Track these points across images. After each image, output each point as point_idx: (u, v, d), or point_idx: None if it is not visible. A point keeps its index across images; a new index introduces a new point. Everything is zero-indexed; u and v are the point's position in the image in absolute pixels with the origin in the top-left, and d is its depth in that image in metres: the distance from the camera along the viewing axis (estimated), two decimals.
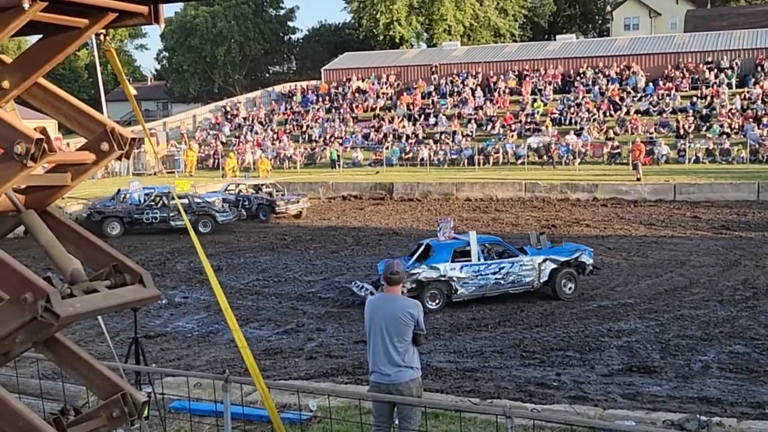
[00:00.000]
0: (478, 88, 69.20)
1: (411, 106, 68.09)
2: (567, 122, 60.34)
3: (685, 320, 19.42)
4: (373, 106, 69.66)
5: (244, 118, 72.87)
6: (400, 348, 9.30)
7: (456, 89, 69.69)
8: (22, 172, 3.75)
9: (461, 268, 21.60)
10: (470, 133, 60.80)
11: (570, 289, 22.37)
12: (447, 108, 66.48)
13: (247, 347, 7.96)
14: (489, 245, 22.97)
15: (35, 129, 3.73)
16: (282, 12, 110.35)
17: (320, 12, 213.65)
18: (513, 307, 21.41)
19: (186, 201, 36.71)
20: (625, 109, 60.15)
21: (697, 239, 31.15)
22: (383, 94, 71.96)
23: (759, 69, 63.06)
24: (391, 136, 62.71)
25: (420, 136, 61.83)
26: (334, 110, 70.76)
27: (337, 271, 27.13)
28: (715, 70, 64.07)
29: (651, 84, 64.09)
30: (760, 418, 12.59)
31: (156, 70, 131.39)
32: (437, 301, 21.41)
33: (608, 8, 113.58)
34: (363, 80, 75.34)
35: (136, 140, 4.45)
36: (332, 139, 63.96)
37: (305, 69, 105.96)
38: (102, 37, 4.68)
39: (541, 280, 22.31)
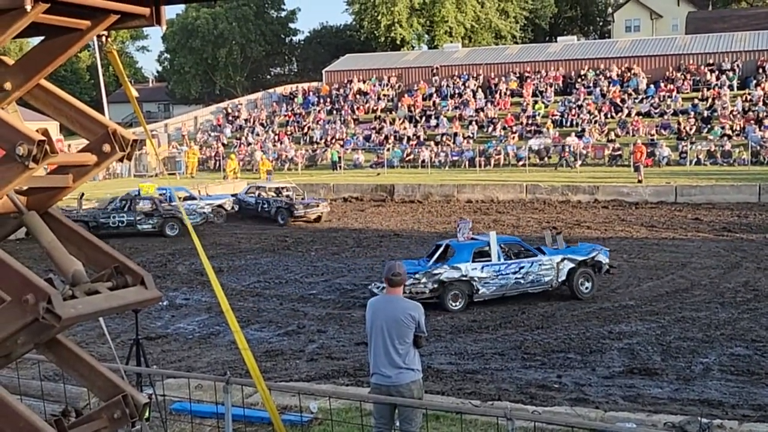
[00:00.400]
0: (479, 89, 69.20)
1: (412, 108, 68.09)
2: (568, 124, 60.34)
3: (687, 322, 19.41)
4: (375, 108, 69.68)
5: (246, 120, 72.91)
6: (401, 350, 9.30)
7: (457, 91, 69.69)
8: (23, 173, 3.75)
9: (482, 268, 21.73)
10: (471, 135, 60.81)
11: (587, 288, 22.53)
12: (448, 110, 66.50)
13: (248, 349, 7.96)
14: (508, 245, 23.15)
15: (37, 130, 3.73)
16: (283, 14, 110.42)
17: (321, 14, 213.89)
18: (514, 308, 21.41)
19: (152, 204, 36.70)
20: (626, 111, 60.15)
21: (699, 241, 31.14)
22: (384, 95, 71.95)
23: (760, 71, 63.02)
24: (392, 137, 62.71)
25: (421, 138, 61.86)
26: (335, 112, 70.79)
27: (338, 273, 27.12)
28: (717, 72, 64.04)
29: (652, 86, 64.08)
30: (762, 420, 12.58)
31: (157, 72, 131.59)
32: (459, 302, 21.53)
33: (609, 10, 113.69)
34: (364, 82, 75.34)
35: (137, 142, 4.45)
36: (333, 140, 63.96)
37: (306, 71, 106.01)
38: (104, 38, 4.68)
39: (560, 280, 22.48)
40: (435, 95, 70.22)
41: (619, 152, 52.94)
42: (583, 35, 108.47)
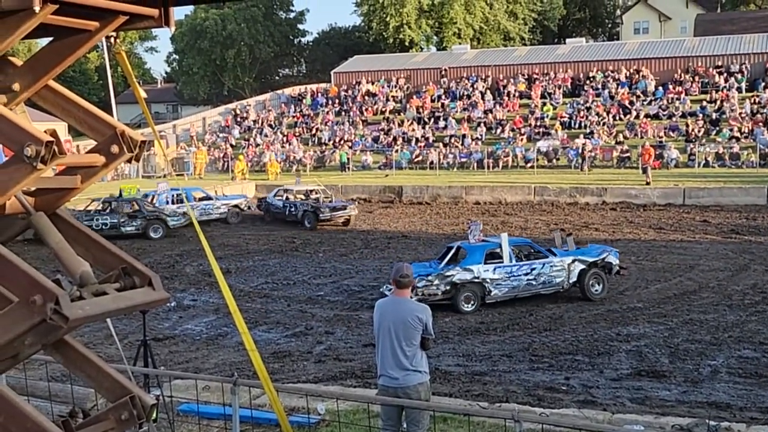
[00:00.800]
0: (488, 91, 69.12)
1: (421, 110, 68.07)
2: (576, 126, 60.25)
3: (694, 325, 19.39)
4: (383, 110, 69.66)
5: (254, 121, 72.93)
6: (408, 352, 9.29)
7: (465, 92, 69.63)
8: (31, 174, 3.76)
9: (494, 269, 21.81)
10: (480, 137, 60.75)
11: (597, 289, 22.61)
12: (456, 111, 66.44)
13: (256, 350, 7.95)
14: (519, 247, 23.26)
15: (45, 131, 3.73)
16: (292, 15, 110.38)
17: (330, 15, 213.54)
18: (522, 310, 21.41)
19: (135, 206, 36.66)
20: (634, 113, 60.03)
21: (707, 243, 31.09)
22: (393, 97, 71.91)
23: None
24: (400, 139, 62.68)
25: (429, 140, 61.82)
26: (343, 113, 70.78)
27: (346, 275, 27.13)
28: (725, 74, 63.90)
29: (661, 88, 63.96)
30: None
31: (166, 73, 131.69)
32: (472, 303, 21.61)
33: (618, 12, 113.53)
34: (373, 83, 75.33)
35: (145, 143, 4.45)
36: (342, 142, 63.95)
37: (315, 72, 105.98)
38: (112, 39, 4.68)
39: (571, 281, 22.56)
40: (443, 97, 70.18)
41: (628, 154, 52.84)
42: (591, 37, 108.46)
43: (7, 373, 7.45)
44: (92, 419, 4.60)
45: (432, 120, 65.64)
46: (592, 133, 57.20)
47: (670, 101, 61.24)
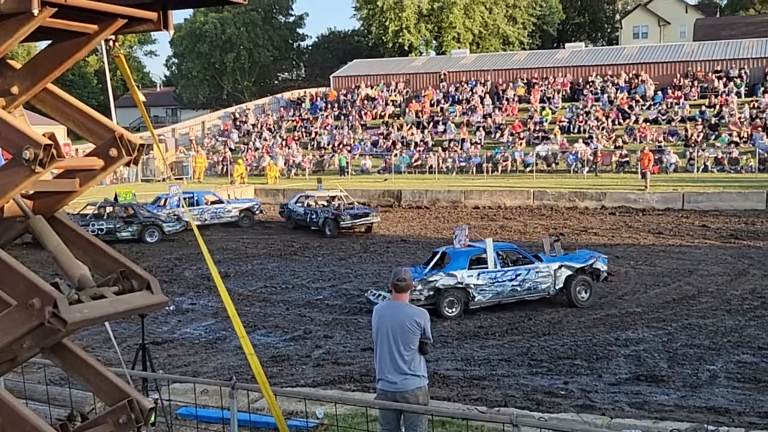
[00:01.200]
0: (487, 95, 69.25)
1: (420, 114, 68.14)
2: (575, 130, 60.30)
3: (693, 329, 19.37)
4: (382, 114, 69.73)
5: (253, 125, 73.01)
6: (406, 356, 9.29)
7: (465, 97, 69.73)
8: (30, 177, 3.76)
9: (478, 275, 21.61)
10: (479, 141, 60.81)
11: (585, 296, 22.39)
12: (456, 116, 66.52)
13: (255, 354, 7.95)
14: (505, 252, 23.05)
15: (44, 134, 3.73)
16: (291, 19, 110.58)
17: (329, 19, 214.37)
18: (521, 315, 21.38)
19: (131, 211, 36.66)
20: (633, 118, 60.11)
21: (706, 248, 31.08)
22: (392, 101, 72.01)
23: None
24: (399, 143, 62.72)
25: (429, 144, 61.85)
26: (342, 117, 70.84)
27: (345, 279, 27.11)
28: (724, 79, 64.02)
29: (660, 93, 64.05)
30: None
31: (165, 77, 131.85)
32: (455, 308, 21.39)
33: (617, 17, 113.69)
34: (372, 87, 75.43)
35: (144, 146, 4.45)
36: (341, 146, 64.02)
37: (314, 76, 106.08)
38: (111, 43, 4.68)
39: (557, 287, 22.35)
40: (443, 101, 70.29)
41: (627, 159, 52.88)
42: (590, 42, 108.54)
43: (5, 376, 7.46)
44: (90, 423, 4.60)
45: (431, 124, 65.69)
46: (591, 137, 57.23)
47: (669, 106, 61.32)
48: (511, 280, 21.98)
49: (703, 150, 52.53)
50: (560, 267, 22.37)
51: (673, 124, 58.45)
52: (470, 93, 70.09)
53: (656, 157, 50.12)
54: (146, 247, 34.72)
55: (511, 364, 17.11)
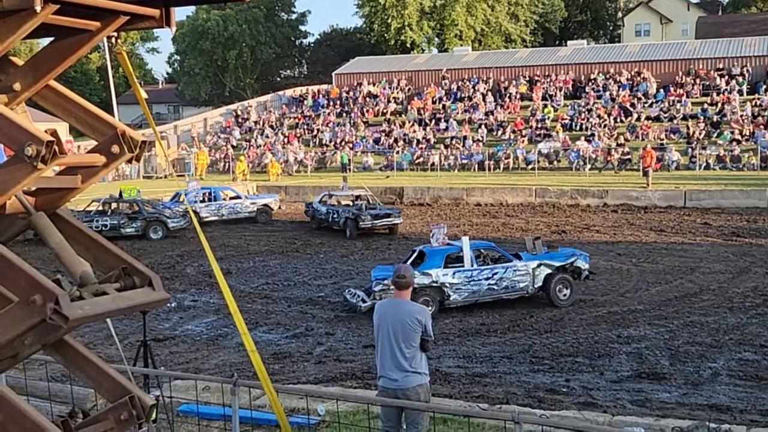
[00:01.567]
0: (489, 93, 69.21)
1: (422, 111, 68.11)
2: (577, 128, 60.25)
3: (695, 327, 19.37)
4: (384, 111, 69.71)
5: (255, 122, 73.02)
6: (407, 353, 9.30)
7: (467, 94, 69.70)
8: (32, 174, 3.75)
9: (454, 273, 21.39)
10: (481, 138, 60.78)
11: (565, 295, 22.10)
12: (458, 113, 66.48)
13: (256, 351, 7.95)
14: (482, 251, 22.81)
15: (46, 131, 3.73)
16: (294, 16, 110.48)
17: (332, 16, 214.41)
18: (522, 312, 21.37)
19: (135, 207, 36.71)
20: (635, 116, 60.06)
21: (707, 246, 31.07)
22: (394, 98, 71.97)
23: None
24: (401, 140, 62.71)
25: (431, 141, 61.85)
26: (345, 114, 70.84)
27: (347, 276, 27.10)
28: (726, 77, 63.97)
29: (662, 90, 63.99)
30: None
31: (167, 74, 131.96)
32: (430, 307, 20.51)
33: (619, 14, 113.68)
34: (374, 85, 75.39)
35: (146, 143, 4.45)
36: (343, 143, 64.00)
37: (316, 73, 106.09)
38: (113, 40, 4.68)
39: (536, 286, 22.11)
40: (445, 98, 70.24)
41: (629, 156, 52.84)
42: (593, 39, 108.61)
43: (6, 372, 7.46)
44: (92, 419, 4.60)
45: (433, 121, 65.66)
46: (593, 135, 57.20)
47: (671, 104, 61.27)
48: (488, 278, 21.76)
49: (704, 148, 52.48)
50: (539, 265, 22.14)
51: (675, 121, 58.39)
52: (472, 90, 70.06)
53: (658, 155, 50.09)
54: (148, 243, 34.73)
55: (513, 361, 17.12)
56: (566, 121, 61.24)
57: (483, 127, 62.45)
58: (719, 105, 59.32)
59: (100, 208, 36.73)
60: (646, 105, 62.00)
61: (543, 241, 24.71)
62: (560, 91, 67.17)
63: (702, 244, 31.46)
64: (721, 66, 66.08)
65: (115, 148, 4.35)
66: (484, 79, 71.89)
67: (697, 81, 64.49)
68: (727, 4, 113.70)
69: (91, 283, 4.07)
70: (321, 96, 76.36)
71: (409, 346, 9.31)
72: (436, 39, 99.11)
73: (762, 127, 54.25)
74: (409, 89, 74.07)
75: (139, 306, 4.30)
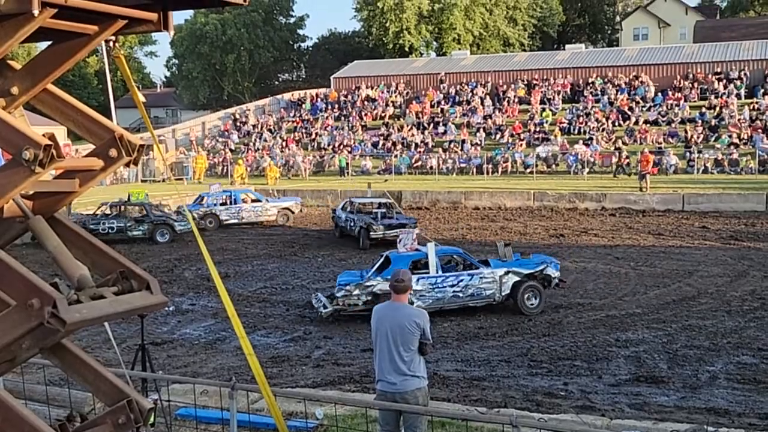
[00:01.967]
0: (487, 97, 69.27)
1: (420, 115, 68.15)
2: (576, 132, 60.31)
3: (693, 330, 19.37)
4: (382, 115, 69.73)
5: (253, 126, 73.03)
6: (406, 357, 9.29)
7: (465, 98, 69.73)
8: (30, 178, 3.76)
9: (418, 280, 20.77)
10: (479, 142, 60.83)
11: (533, 303, 21.71)
12: (456, 117, 66.53)
13: (254, 355, 7.94)
14: (449, 257, 22.63)
15: (44, 135, 3.73)
16: (292, 20, 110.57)
17: (330, 20, 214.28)
18: (521, 316, 21.35)
19: (143, 210, 36.75)
20: (634, 119, 60.11)
21: (706, 249, 31.07)
22: (392, 102, 72.01)
23: None
24: (400, 144, 62.75)
25: (429, 145, 61.87)
26: (343, 118, 70.84)
27: None
28: (724, 81, 64.03)
29: (660, 94, 64.09)
30: None
31: (165, 77, 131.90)
32: None
33: (617, 18, 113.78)
34: (372, 88, 75.44)
35: (144, 147, 4.45)
36: (341, 147, 64.02)
37: (315, 77, 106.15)
38: (111, 43, 4.69)
39: (503, 293, 21.73)
40: (443, 102, 70.30)
41: (627, 160, 52.86)
42: (591, 43, 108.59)
43: (4, 376, 7.46)
44: (89, 423, 4.60)
45: (431, 125, 65.70)
46: (591, 139, 57.24)
47: (669, 107, 61.32)
48: (453, 285, 21.47)
49: (699, 152, 52.51)
50: (507, 273, 21.77)
51: (673, 125, 58.47)
52: (471, 94, 70.10)
53: (657, 159, 50.15)
54: (146, 247, 34.72)
55: (511, 365, 17.11)
56: (564, 125, 61.29)
57: (481, 130, 62.49)
58: (717, 109, 59.37)
59: (108, 211, 36.77)
60: (644, 109, 62.06)
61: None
62: (558, 94, 67.24)
63: (700, 248, 31.47)
64: (719, 70, 66.17)
65: (113, 152, 4.35)
66: (483, 82, 71.95)
67: (695, 85, 64.59)
68: (725, 8, 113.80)
69: (89, 287, 4.08)
70: (319, 100, 76.41)
71: (407, 349, 9.31)
72: (435, 43, 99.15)
73: (760, 130, 54.32)
74: (407, 93, 74.13)
75: (137, 310, 4.31)
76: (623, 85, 66.46)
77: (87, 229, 34.34)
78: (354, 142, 64.79)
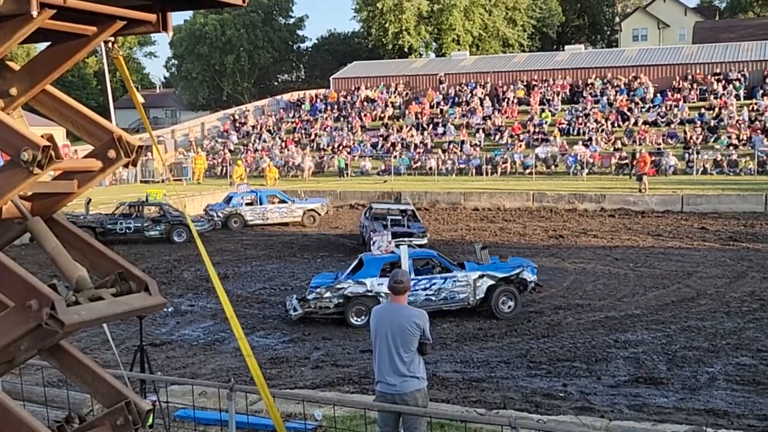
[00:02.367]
0: (487, 97, 69.24)
1: (419, 116, 68.11)
2: (575, 132, 60.29)
3: (692, 332, 19.37)
4: (382, 115, 69.70)
5: (253, 126, 72.96)
6: (405, 358, 9.28)
7: (464, 99, 69.72)
8: (28, 179, 3.75)
9: None
10: (478, 143, 60.82)
11: (509, 307, 21.55)
12: (455, 117, 66.50)
13: (253, 356, 7.94)
14: (422, 260, 22.44)
15: (42, 136, 3.73)
16: (291, 21, 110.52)
17: (329, 21, 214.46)
18: (520, 317, 21.34)
19: (160, 210, 36.80)
20: (633, 120, 60.08)
21: (705, 250, 31.07)
22: (392, 103, 71.98)
23: (767, 81, 62.98)
24: (399, 145, 62.72)
25: (428, 146, 61.84)
26: (342, 119, 70.80)
27: None
28: (723, 82, 64.00)
29: (659, 95, 64.09)
30: (767, 430, 12.55)
31: (165, 78, 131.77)
32: (363, 317, 20.53)
33: (617, 19, 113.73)
34: (371, 89, 75.41)
35: (142, 148, 4.45)
36: (340, 147, 63.99)
37: (314, 77, 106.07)
38: (110, 44, 4.68)
39: (477, 297, 21.60)
40: (442, 103, 70.29)
41: (626, 161, 52.85)
42: (590, 44, 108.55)
43: (2, 378, 7.45)
44: (88, 425, 4.59)
45: (431, 126, 65.68)
46: (590, 139, 57.24)
47: (668, 108, 61.32)
48: (425, 289, 21.37)
49: (698, 153, 52.51)
50: (481, 276, 21.64)
51: (672, 126, 58.46)
52: (470, 95, 70.08)
53: (656, 160, 50.15)
54: (145, 248, 34.68)
55: (510, 366, 17.11)
56: (564, 126, 61.28)
57: (480, 131, 62.46)
58: (716, 110, 59.36)
59: (126, 211, 36.83)
60: (643, 110, 62.04)
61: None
62: (558, 95, 67.25)
63: (699, 249, 31.47)
64: (718, 71, 66.15)
65: (112, 153, 4.35)
66: (482, 83, 71.93)
67: (695, 86, 64.58)
68: (724, 9, 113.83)
69: (87, 288, 4.07)
70: (318, 100, 76.36)
71: (407, 350, 9.29)
72: (434, 43, 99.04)
73: (759, 131, 54.34)
74: (406, 94, 74.09)
75: (135, 311, 4.30)
76: (622, 86, 66.46)
77: (104, 228, 35.16)
78: (353, 143, 64.76)
